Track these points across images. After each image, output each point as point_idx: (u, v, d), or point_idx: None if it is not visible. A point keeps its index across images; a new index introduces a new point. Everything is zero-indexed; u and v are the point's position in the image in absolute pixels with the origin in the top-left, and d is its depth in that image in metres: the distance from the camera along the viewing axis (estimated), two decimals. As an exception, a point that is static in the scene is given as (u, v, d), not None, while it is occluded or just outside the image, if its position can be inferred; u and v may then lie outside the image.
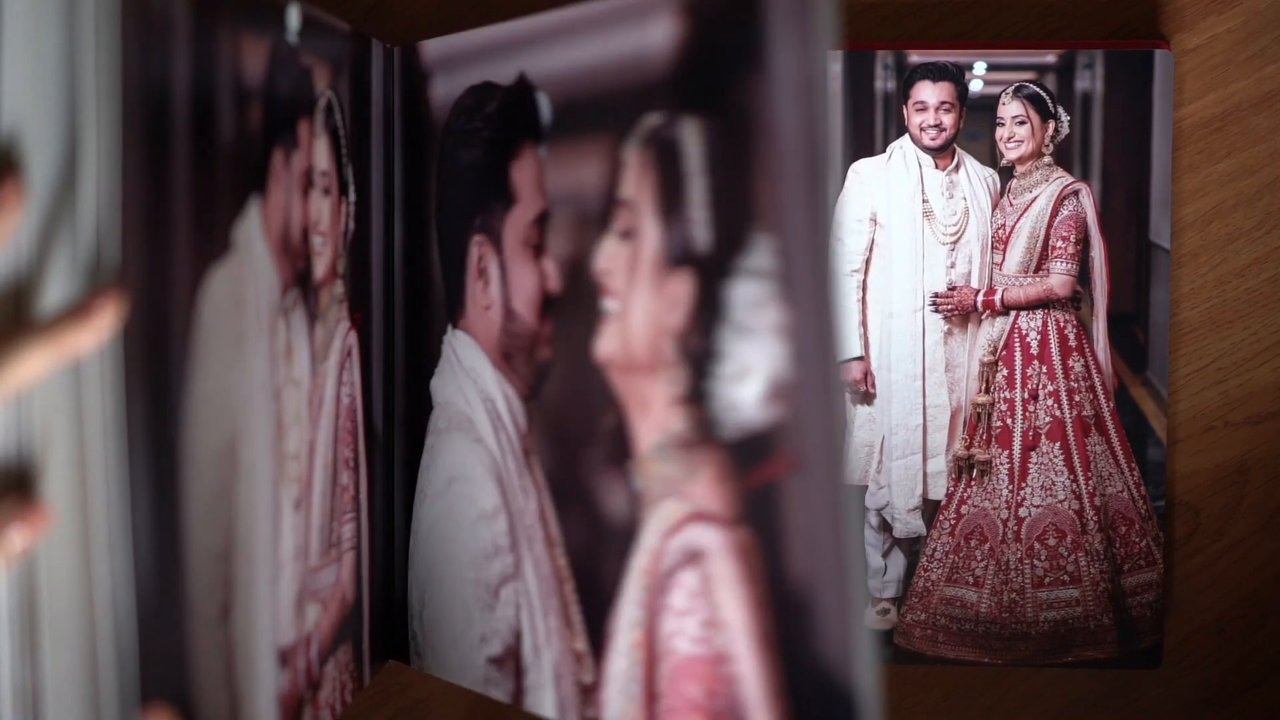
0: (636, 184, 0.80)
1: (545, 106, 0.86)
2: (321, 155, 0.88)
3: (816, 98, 0.68)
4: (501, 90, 0.89)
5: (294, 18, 0.84)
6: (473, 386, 0.93)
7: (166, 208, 0.69)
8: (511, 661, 0.89)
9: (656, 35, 0.77)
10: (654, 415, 0.79)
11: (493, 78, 0.89)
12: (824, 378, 0.70)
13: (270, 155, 0.81)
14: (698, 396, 0.77)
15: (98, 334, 0.63)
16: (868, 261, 1.04)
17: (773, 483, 0.73)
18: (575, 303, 0.84)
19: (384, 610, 1.00)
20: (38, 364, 0.63)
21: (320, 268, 0.88)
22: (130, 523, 0.66)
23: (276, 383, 0.81)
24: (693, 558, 0.77)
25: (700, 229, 0.75)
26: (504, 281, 0.89)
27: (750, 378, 0.74)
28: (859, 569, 0.70)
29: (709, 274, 0.75)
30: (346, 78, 0.92)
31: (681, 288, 0.77)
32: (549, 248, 0.87)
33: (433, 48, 0.94)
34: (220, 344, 0.74)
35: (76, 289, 0.64)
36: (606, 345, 0.82)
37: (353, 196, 0.93)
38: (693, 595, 0.77)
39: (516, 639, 0.89)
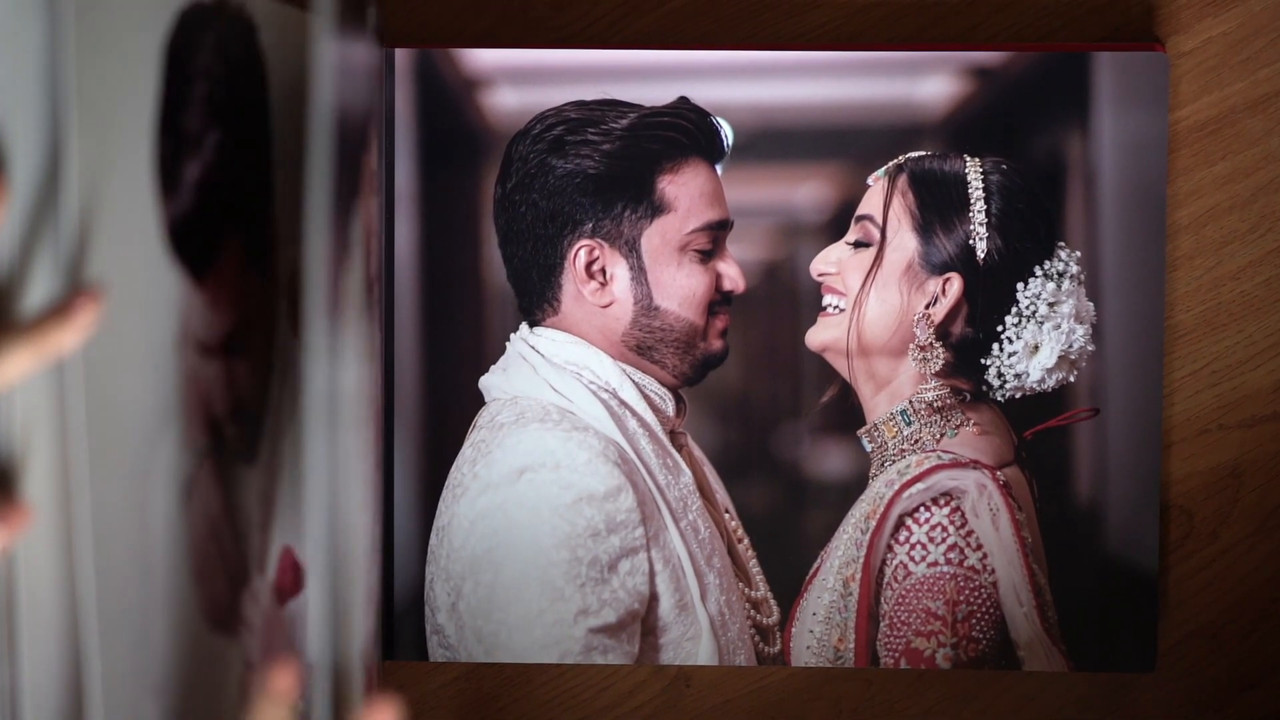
0: (882, 204, 0.98)
1: (727, 129, 0.98)
2: None
3: (1149, 152, 0.98)
4: (641, 109, 0.97)
5: None
6: (572, 379, 0.98)
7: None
8: (635, 625, 0.97)
9: (928, 89, 0.98)
10: (895, 388, 0.98)
11: (586, 96, 0.98)
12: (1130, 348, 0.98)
13: None
14: (962, 370, 0.98)
15: (79, 333, 0.63)
16: None
17: (1055, 429, 0.98)
18: (772, 300, 1.00)
19: (378, 612, 1.00)
20: (20, 363, 0.63)
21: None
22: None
23: None
24: (941, 497, 0.97)
25: (981, 241, 0.96)
26: (641, 282, 0.98)
27: (1040, 352, 0.96)
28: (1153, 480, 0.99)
29: (991, 275, 0.97)
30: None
31: (945, 286, 0.97)
32: (726, 252, 0.99)
33: (488, 58, 0.98)
34: None
35: (58, 288, 0.64)
36: (826, 334, 0.98)
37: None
38: (939, 527, 0.97)
39: (644, 603, 0.96)
